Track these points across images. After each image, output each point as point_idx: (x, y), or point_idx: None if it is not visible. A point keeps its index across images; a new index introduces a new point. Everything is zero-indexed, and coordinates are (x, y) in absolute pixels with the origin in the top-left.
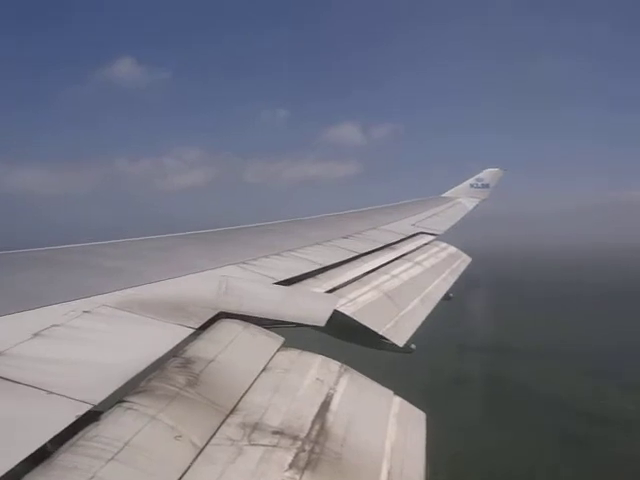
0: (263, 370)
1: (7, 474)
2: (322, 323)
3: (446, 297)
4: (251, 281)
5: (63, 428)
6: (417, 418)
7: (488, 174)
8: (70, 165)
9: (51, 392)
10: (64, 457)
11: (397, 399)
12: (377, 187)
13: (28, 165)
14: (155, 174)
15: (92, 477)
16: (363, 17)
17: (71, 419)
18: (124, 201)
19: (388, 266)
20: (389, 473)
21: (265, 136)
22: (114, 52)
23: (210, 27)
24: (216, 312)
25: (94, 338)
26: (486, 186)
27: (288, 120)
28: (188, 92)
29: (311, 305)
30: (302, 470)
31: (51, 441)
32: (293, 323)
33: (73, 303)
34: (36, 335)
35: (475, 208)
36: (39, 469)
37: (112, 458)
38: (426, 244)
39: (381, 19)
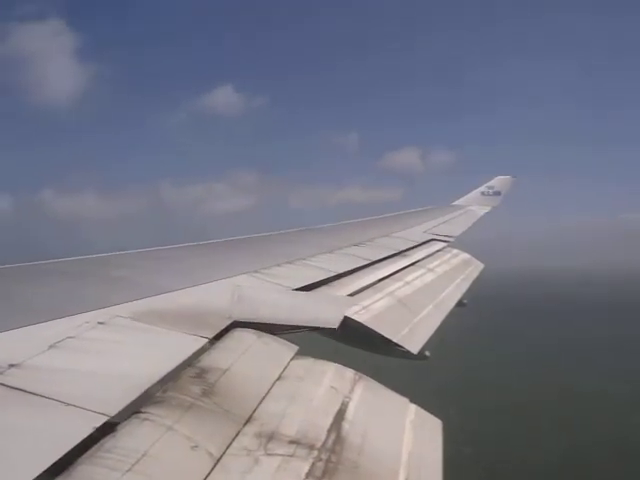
0: (278, 379)
1: None
2: (335, 325)
3: (460, 303)
4: (264, 289)
5: (81, 440)
6: (433, 425)
7: (499, 181)
8: (126, 191)
9: (68, 404)
10: (82, 469)
11: (413, 406)
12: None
13: (106, 192)
14: (205, 198)
15: None
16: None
17: (88, 431)
18: (171, 225)
19: (401, 273)
20: None
21: (323, 161)
22: (214, 81)
23: (306, 58)
24: (230, 321)
25: (109, 349)
26: (497, 193)
27: (348, 145)
28: (270, 118)
29: (324, 307)
30: (319, 479)
31: (69, 453)
32: (307, 327)
33: (87, 314)
34: (52, 347)
35: (486, 215)
36: None
37: (129, 469)
38: (438, 251)
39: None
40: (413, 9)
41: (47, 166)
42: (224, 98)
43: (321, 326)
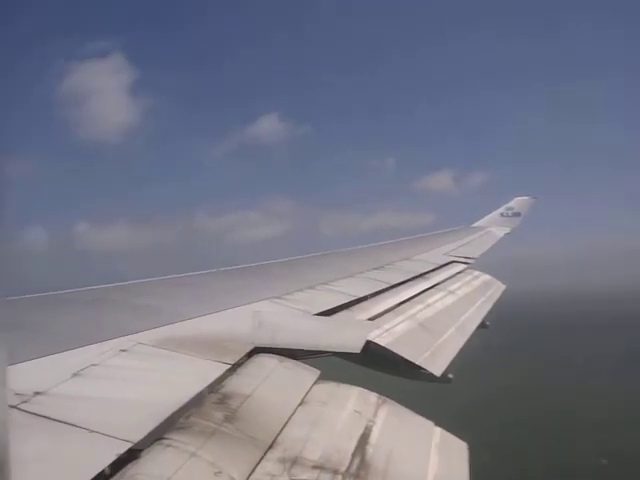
0: (300, 404)
1: None
2: (358, 350)
3: (482, 325)
4: (286, 315)
5: (105, 466)
6: (459, 449)
7: (518, 202)
8: (163, 221)
9: (92, 431)
10: None
11: (437, 430)
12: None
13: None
14: (239, 226)
15: None
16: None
17: (112, 457)
18: (202, 253)
19: (422, 296)
20: None
21: (357, 186)
22: (261, 110)
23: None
24: (251, 347)
25: (132, 376)
26: (517, 215)
27: (384, 170)
28: (311, 146)
29: (346, 332)
30: None
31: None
32: (329, 352)
33: (110, 342)
34: (75, 375)
35: (506, 236)
36: None
37: None
38: (459, 273)
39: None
40: (448, 32)
41: (86, 199)
42: (268, 127)
43: (343, 351)
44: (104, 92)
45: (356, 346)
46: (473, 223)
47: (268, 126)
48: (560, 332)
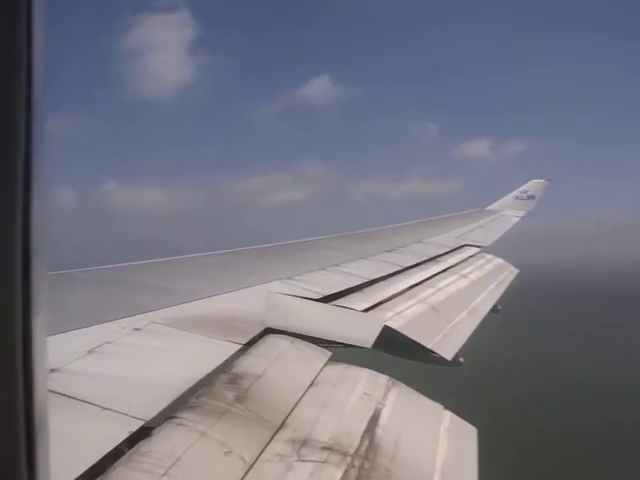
0: (311, 385)
1: None
2: (369, 345)
3: (494, 309)
4: (298, 297)
5: (117, 444)
6: (468, 433)
7: (533, 185)
8: (183, 184)
9: (105, 408)
10: (119, 472)
11: (447, 413)
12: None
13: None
14: (276, 189)
15: None
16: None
17: (124, 435)
18: (228, 217)
19: (434, 279)
20: None
21: (392, 152)
22: (315, 71)
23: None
24: (263, 328)
25: (145, 355)
26: (531, 198)
27: (421, 136)
28: (359, 110)
29: (358, 326)
30: None
31: (105, 456)
32: (340, 343)
33: (124, 321)
34: (90, 352)
35: (521, 220)
36: None
37: (165, 473)
38: (472, 256)
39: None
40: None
41: (132, 159)
42: (319, 89)
43: (355, 344)
44: (164, 48)
45: (368, 341)
46: (503, 194)
47: (318, 88)
48: (574, 307)
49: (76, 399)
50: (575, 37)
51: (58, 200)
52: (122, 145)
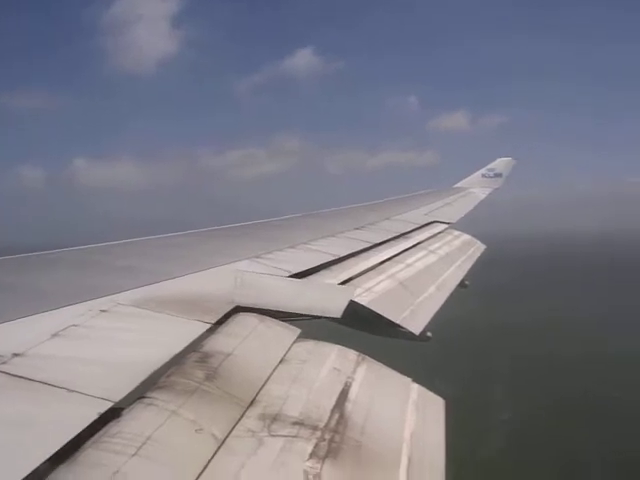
0: (280, 362)
1: (33, 472)
2: (338, 315)
3: (462, 284)
4: (266, 274)
5: (86, 426)
6: (436, 405)
7: (500, 163)
8: (158, 159)
9: (72, 390)
10: (88, 454)
11: (415, 386)
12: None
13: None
14: (252, 162)
15: (116, 472)
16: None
17: (93, 416)
18: (199, 194)
19: (402, 255)
20: (409, 460)
21: (369, 124)
22: (298, 43)
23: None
24: (232, 306)
25: (112, 336)
26: (499, 175)
27: (403, 108)
28: (341, 83)
29: (327, 297)
30: (323, 459)
31: (75, 439)
32: (309, 315)
33: (90, 303)
34: (55, 335)
35: (488, 197)
36: (64, 466)
37: (135, 453)
38: (440, 232)
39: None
40: None
41: (108, 133)
42: (302, 61)
43: (324, 315)
44: (147, 21)
45: (336, 311)
46: (478, 167)
47: (301, 60)
48: (540, 277)
49: (41, 382)
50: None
51: (29, 178)
52: (99, 120)
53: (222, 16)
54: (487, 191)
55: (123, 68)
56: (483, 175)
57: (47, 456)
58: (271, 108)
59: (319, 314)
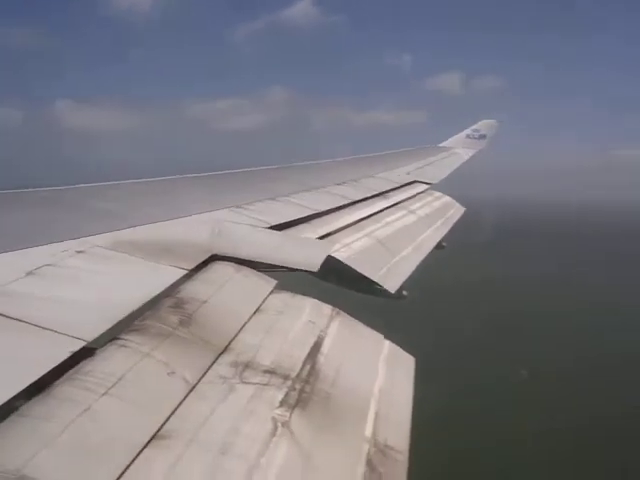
0: (256, 312)
1: (6, 404)
2: (315, 268)
3: (439, 246)
4: (245, 225)
5: (58, 363)
6: (406, 362)
7: (484, 125)
8: (144, 104)
9: (45, 328)
10: (60, 389)
11: (387, 343)
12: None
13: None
14: (228, 114)
15: (87, 409)
16: None
17: (66, 354)
18: (181, 142)
19: (382, 213)
20: (376, 414)
21: (366, 82)
22: None
23: None
24: (209, 254)
25: (88, 277)
26: (483, 137)
27: (399, 67)
28: (338, 37)
29: (305, 251)
30: (292, 408)
31: (47, 375)
32: (286, 267)
33: (66, 243)
34: (29, 274)
35: (471, 158)
36: (36, 399)
37: (106, 392)
38: (421, 193)
39: None
40: None
41: (101, 75)
42: (300, 11)
43: (301, 268)
44: None
45: (314, 265)
46: (468, 126)
47: (299, 10)
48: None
49: (15, 319)
50: None
51: (10, 119)
52: (86, 61)
53: None
54: (471, 152)
55: (117, 7)
56: (467, 136)
57: (19, 389)
58: (264, 58)
59: (296, 267)
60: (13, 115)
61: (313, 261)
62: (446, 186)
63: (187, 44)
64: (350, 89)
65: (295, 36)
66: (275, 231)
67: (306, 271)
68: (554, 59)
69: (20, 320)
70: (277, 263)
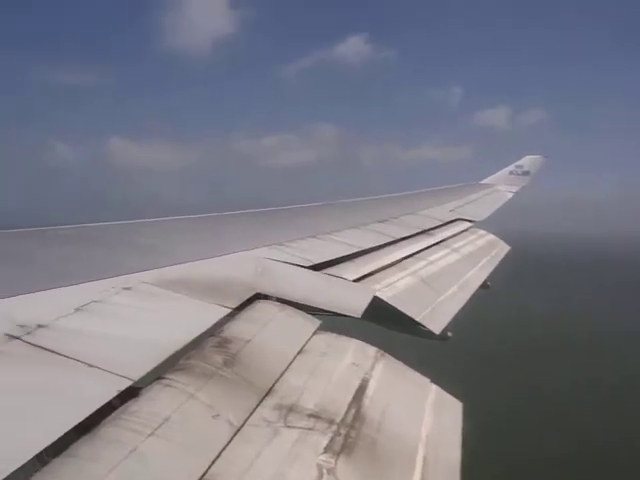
0: (299, 352)
1: (53, 444)
2: (358, 315)
3: (484, 285)
4: (288, 264)
5: (105, 402)
6: (454, 407)
7: (528, 161)
8: (196, 140)
9: (92, 366)
10: (106, 430)
11: (434, 387)
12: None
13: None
14: (277, 150)
15: (133, 450)
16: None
17: (112, 394)
18: (225, 179)
19: (425, 252)
20: (424, 460)
21: (405, 118)
22: (353, 29)
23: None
24: (252, 293)
25: (134, 314)
26: (526, 173)
27: (445, 100)
28: (389, 73)
29: (348, 295)
30: (337, 454)
31: (93, 414)
32: (330, 312)
33: (113, 280)
34: (77, 310)
35: (515, 196)
36: (83, 440)
37: (152, 433)
38: (464, 231)
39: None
40: None
41: (155, 111)
42: (352, 48)
43: (344, 314)
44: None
45: (357, 310)
46: (512, 161)
47: (351, 47)
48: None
49: (63, 355)
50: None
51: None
52: (141, 98)
53: None
54: (514, 189)
55: (175, 47)
56: (511, 172)
57: (67, 429)
58: (314, 95)
59: (339, 312)
60: (65, 151)
61: (356, 306)
62: (488, 221)
63: (239, 82)
64: (398, 125)
65: (346, 72)
66: (319, 273)
67: (349, 316)
68: (604, 93)
69: (68, 357)
70: (320, 306)
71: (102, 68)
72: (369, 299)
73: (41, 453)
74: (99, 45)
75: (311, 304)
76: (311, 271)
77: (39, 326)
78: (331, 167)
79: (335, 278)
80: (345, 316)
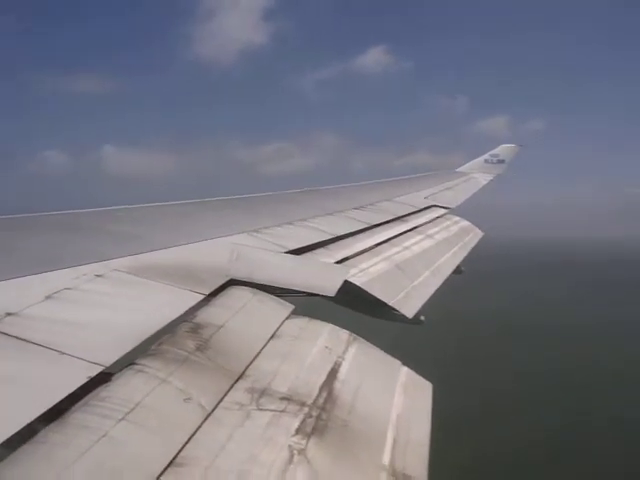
0: (272, 337)
1: (21, 431)
2: (332, 293)
3: (457, 270)
4: (262, 249)
5: (75, 388)
6: (423, 388)
7: (503, 150)
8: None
9: (63, 353)
10: (76, 416)
11: (404, 369)
12: None
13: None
14: (273, 158)
15: (103, 435)
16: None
17: (83, 380)
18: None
19: (400, 238)
20: (395, 441)
21: (414, 124)
22: (376, 39)
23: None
24: (226, 279)
25: (106, 301)
26: (501, 162)
27: (450, 108)
28: (405, 83)
29: (322, 275)
30: (309, 435)
31: (64, 400)
32: (303, 292)
33: (85, 267)
34: (48, 297)
35: (489, 183)
36: (52, 426)
37: (123, 418)
38: (439, 217)
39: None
40: None
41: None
42: (371, 58)
43: (318, 293)
44: (234, 11)
45: (331, 290)
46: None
47: (370, 58)
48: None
49: (33, 343)
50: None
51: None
52: (152, 107)
53: (313, 11)
54: (489, 177)
55: (202, 57)
56: (486, 160)
57: (36, 415)
58: (329, 104)
59: (313, 291)
60: (60, 159)
61: (330, 286)
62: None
63: (258, 93)
64: (401, 132)
65: (364, 82)
66: (292, 255)
67: (323, 296)
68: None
69: (38, 344)
70: (294, 287)
71: (119, 78)
72: (343, 278)
73: (9, 440)
74: (120, 55)
75: (285, 286)
76: (285, 254)
77: (7, 314)
78: (322, 174)
79: (308, 260)
80: (320, 296)
